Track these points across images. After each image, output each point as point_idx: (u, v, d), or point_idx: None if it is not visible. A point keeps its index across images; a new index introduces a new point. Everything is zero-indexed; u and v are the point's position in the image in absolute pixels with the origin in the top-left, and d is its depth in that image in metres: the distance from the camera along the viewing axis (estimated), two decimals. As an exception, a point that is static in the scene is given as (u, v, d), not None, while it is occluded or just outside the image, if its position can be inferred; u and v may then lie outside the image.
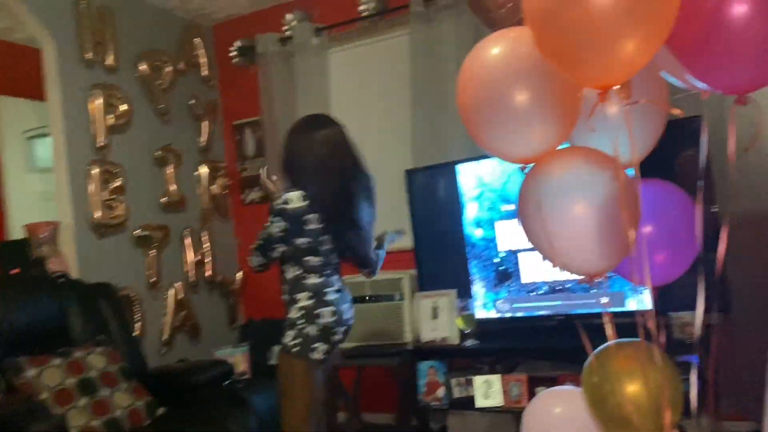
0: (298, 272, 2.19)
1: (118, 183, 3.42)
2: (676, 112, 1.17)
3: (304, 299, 2.17)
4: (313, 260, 2.18)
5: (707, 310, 2.47)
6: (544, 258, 1.41)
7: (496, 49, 1.30)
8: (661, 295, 2.59)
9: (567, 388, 1.86)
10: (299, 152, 2.23)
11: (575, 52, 1.08)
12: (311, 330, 2.14)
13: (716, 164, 2.45)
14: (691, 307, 1.82)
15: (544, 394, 1.84)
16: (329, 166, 2.22)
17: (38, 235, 3.07)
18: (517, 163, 1.43)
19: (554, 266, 1.41)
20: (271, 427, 2.65)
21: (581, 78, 1.16)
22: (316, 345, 2.14)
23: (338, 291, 2.25)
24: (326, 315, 2.17)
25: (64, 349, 2.60)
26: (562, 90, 1.25)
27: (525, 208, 1.37)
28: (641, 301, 2.64)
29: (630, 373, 1.45)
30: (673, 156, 2.35)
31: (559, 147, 1.40)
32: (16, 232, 3.86)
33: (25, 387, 2.36)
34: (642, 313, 1.43)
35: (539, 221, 1.30)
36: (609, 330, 1.46)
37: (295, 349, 2.13)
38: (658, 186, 1.53)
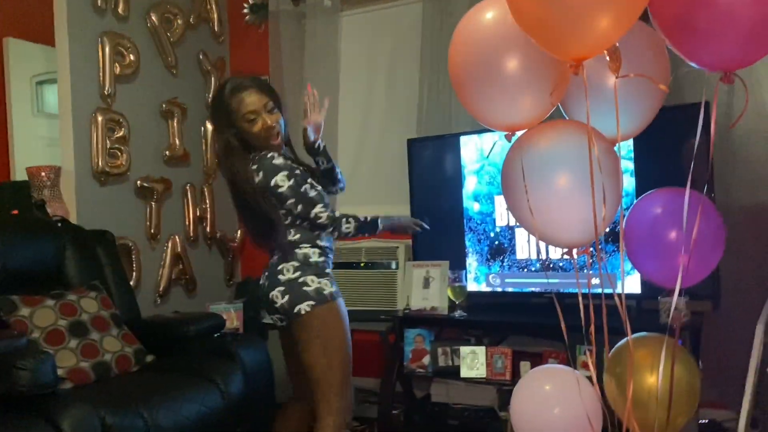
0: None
1: (121, 133, 3.43)
2: (663, 88, 1.16)
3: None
4: None
5: (697, 298, 2.49)
6: (524, 227, 1.41)
7: (488, 14, 1.29)
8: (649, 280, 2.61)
9: (558, 367, 1.88)
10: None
11: (548, 23, 1.07)
12: None
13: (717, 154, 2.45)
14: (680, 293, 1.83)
15: (535, 371, 1.86)
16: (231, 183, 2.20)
17: (39, 179, 3.10)
18: (503, 131, 1.43)
19: (535, 237, 1.42)
20: (256, 382, 2.70)
21: (554, 49, 1.16)
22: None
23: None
24: None
25: (58, 291, 2.64)
26: (552, 58, 1.24)
27: (509, 176, 1.37)
28: (629, 284, 2.65)
29: (650, 366, 1.47)
30: (675, 142, 2.33)
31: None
32: (20, 174, 3.89)
33: (17, 324, 2.41)
34: (628, 297, 1.44)
35: (522, 191, 1.30)
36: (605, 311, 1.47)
37: None
38: (692, 196, 1.51)
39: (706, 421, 2.66)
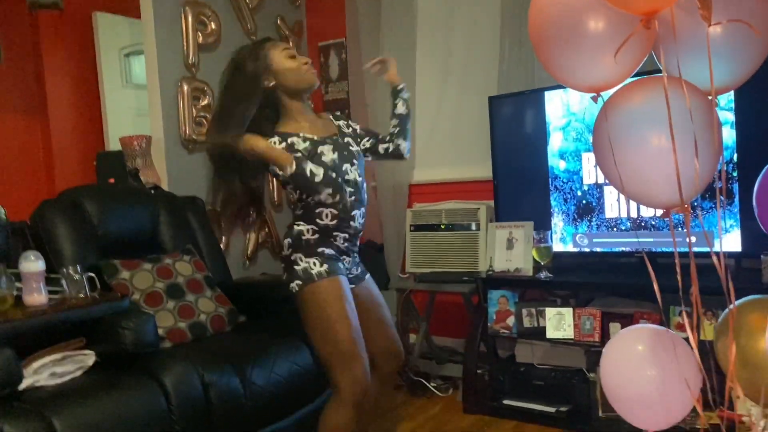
0: None
1: (206, 101, 3.52)
2: (759, 34, 1.06)
3: None
4: None
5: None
6: (617, 188, 1.35)
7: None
8: (755, 237, 2.47)
9: (651, 326, 1.81)
10: None
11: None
12: None
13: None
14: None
15: (627, 330, 1.80)
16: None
17: (132, 148, 3.23)
18: (586, 92, 1.36)
19: (627, 197, 1.35)
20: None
21: (623, 3, 1.08)
22: None
23: None
24: None
25: (154, 255, 2.77)
26: (634, 17, 1.16)
27: (600, 138, 1.31)
28: (727, 242, 2.52)
29: (763, 329, 1.40)
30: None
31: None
32: (113, 143, 4.08)
33: (119, 287, 2.54)
34: (726, 255, 1.36)
35: (613, 151, 1.23)
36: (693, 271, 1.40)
37: None
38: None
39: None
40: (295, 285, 2.03)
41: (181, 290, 2.68)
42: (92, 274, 2.34)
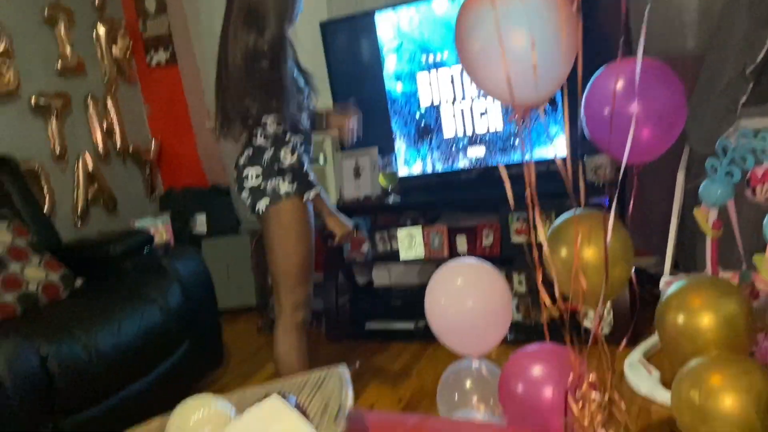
0: None
1: (2, 45, 3.09)
2: None
3: None
4: None
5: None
6: (477, 85, 1.33)
7: None
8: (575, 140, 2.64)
9: (468, 261, 1.90)
10: None
11: None
12: None
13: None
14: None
15: (447, 265, 1.88)
16: None
17: None
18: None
19: (485, 94, 1.34)
20: (196, 292, 2.64)
21: None
22: None
23: None
24: None
25: (-38, 225, 2.45)
26: None
27: (464, 32, 1.25)
28: (556, 148, 2.68)
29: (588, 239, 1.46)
30: None
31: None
32: None
33: None
34: (559, 160, 1.41)
35: (479, 46, 1.20)
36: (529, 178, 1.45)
37: None
38: (649, 64, 1.43)
39: (633, 268, 2.82)
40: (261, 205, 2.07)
41: (1, 260, 2.40)
42: None
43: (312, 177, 2.07)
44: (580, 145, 2.59)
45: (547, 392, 1.42)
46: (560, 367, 1.39)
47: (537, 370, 1.47)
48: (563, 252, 1.43)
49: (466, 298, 1.79)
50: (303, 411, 1.00)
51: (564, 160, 1.35)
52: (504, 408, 1.59)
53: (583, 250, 1.40)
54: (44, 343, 2.02)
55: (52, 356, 2.01)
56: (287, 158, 2.02)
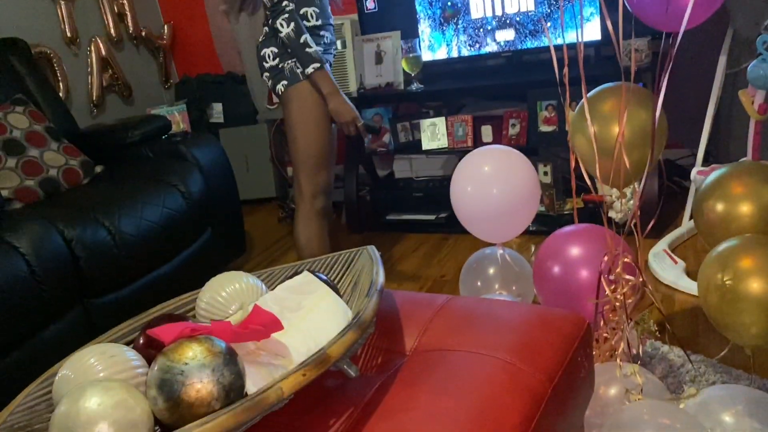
0: None
1: None
2: None
3: None
4: None
5: (658, 37, 2.40)
6: None
7: None
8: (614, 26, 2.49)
9: (496, 147, 1.84)
10: None
11: None
12: None
13: None
14: (640, 33, 1.70)
15: (474, 152, 1.82)
16: None
17: None
18: None
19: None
20: (216, 180, 2.62)
21: None
22: None
23: None
24: None
25: (-22, 110, 2.40)
26: None
27: None
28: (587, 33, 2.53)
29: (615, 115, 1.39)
30: None
31: None
32: None
33: (-58, 150, 2.21)
34: (587, 45, 1.32)
35: None
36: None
37: None
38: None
39: (662, 158, 2.74)
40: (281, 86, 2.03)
41: (20, 145, 2.38)
42: None
43: (312, 50, 1.95)
44: (617, 27, 2.45)
45: (583, 273, 1.41)
46: (597, 248, 1.36)
47: (574, 251, 1.44)
48: (596, 128, 1.36)
49: (492, 185, 1.74)
50: (333, 287, 0.98)
51: (599, 43, 1.25)
52: (537, 289, 1.59)
53: (618, 128, 1.33)
54: (69, 227, 2.03)
55: (77, 240, 2.02)
56: (283, 29, 1.92)
